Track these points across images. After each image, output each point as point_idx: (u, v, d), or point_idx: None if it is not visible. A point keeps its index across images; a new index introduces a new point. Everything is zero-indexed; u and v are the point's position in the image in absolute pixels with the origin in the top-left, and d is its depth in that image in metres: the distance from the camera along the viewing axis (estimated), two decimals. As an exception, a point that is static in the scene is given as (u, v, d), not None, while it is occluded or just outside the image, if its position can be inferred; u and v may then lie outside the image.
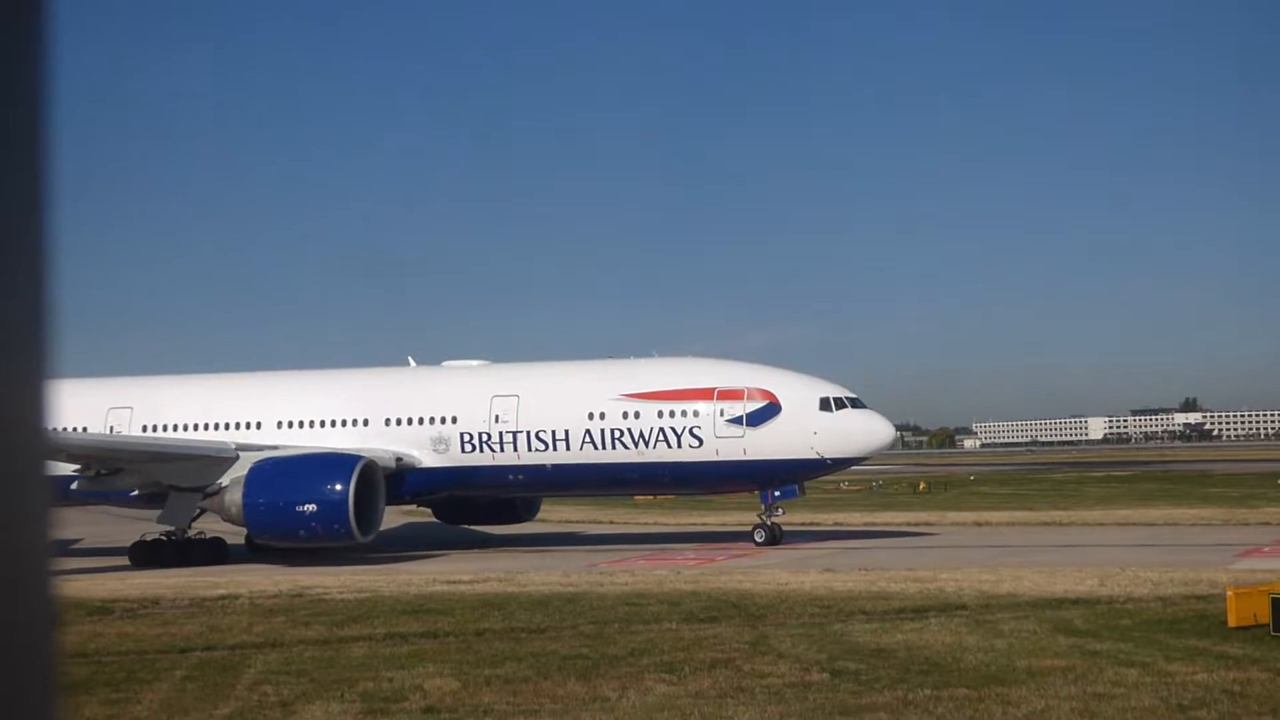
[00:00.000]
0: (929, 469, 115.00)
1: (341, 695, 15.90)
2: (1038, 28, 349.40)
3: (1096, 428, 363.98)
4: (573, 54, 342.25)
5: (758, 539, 37.58)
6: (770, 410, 37.12)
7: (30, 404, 1.71)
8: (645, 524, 49.38)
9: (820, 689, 15.57)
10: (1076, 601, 22.69)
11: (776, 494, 37.71)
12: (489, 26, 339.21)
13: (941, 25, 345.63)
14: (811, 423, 36.95)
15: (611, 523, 50.62)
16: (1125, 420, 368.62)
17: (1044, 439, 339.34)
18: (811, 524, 46.54)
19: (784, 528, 38.45)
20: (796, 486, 38.16)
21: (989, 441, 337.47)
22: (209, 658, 19.03)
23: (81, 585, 29.34)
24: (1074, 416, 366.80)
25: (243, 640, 20.67)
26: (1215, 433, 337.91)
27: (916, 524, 45.18)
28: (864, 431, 37.45)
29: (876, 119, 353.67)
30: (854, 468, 44.59)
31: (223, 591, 27.75)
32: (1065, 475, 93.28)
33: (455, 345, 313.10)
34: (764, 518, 37.97)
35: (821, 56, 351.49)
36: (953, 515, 49.17)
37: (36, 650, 1.74)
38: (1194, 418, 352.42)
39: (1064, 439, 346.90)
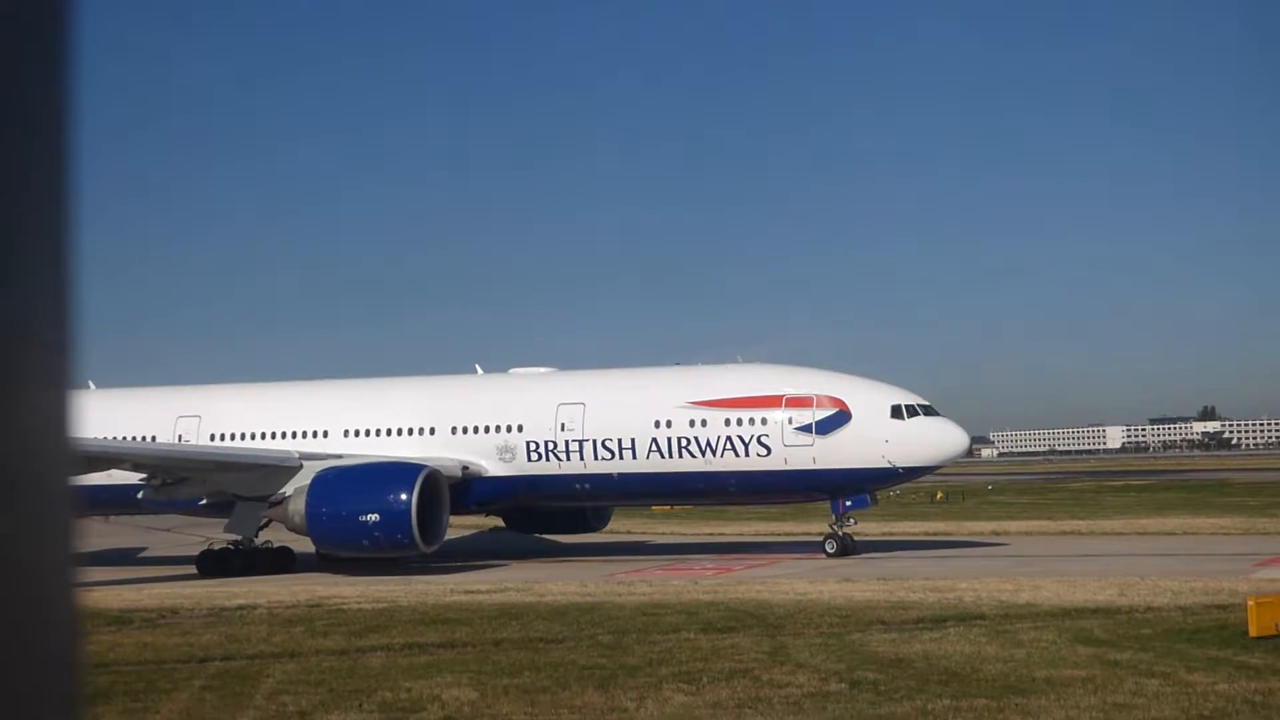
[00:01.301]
0: (946, 478, 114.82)
1: (360, 705, 15.90)
2: (1061, 41, 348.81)
3: (1115, 437, 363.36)
4: (625, 70, 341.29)
5: (829, 550, 36.81)
6: (840, 418, 36.48)
7: (53, 414, 1.71)
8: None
9: (839, 699, 15.54)
10: (1096, 611, 22.61)
11: (848, 504, 36.94)
12: (541, 46, 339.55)
13: (966, 40, 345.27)
14: (883, 431, 36.26)
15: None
16: (1144, 429, 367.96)
17: (1062, 448, 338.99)
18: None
19: (855, 539, 37.55)
20: (868, 496, 37.38)
21: (1007, 451, 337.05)
22: (227, 667, 19.04)
23: (99, 595, 29.39)
24: (1092, 426, 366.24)
25: (261, 650, 20.69)
26: (1234, 441, 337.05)
27: (937, 534, 45.05)
28: (937, 440, 36.76)
29: (890, 127, 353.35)
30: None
31: (241, 602, 27.79)
32: (1083, 484, 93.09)
33: (525, 352, 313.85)
34: (835, 528, 37.23)
35: (841, 72, 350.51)
36: (970, 525, 49.03)
37: (60, 660, 1.74)
38: (1212, 426, 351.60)
39: (1082, 448, 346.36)
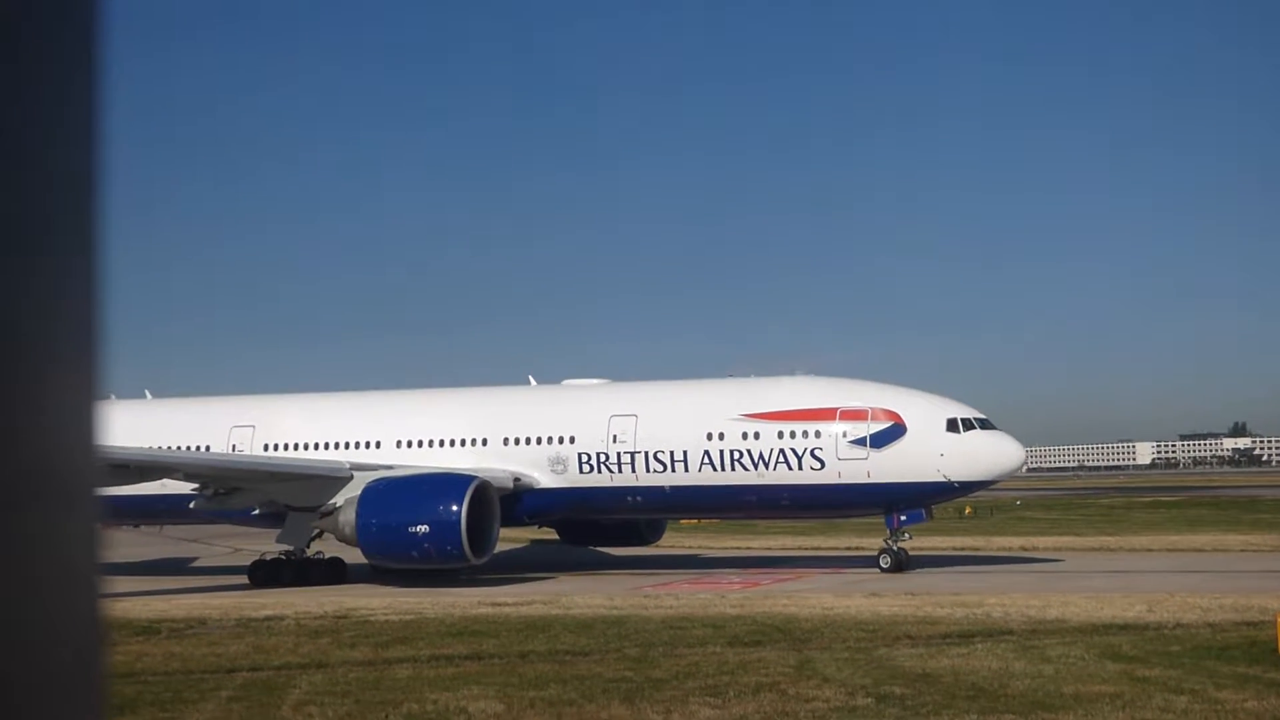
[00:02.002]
0: (975, 494, 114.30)
1: (386, 716, 15.93)
2: (1092, 47, 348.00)
3: (1144, 453, 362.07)
4: (673, 81, 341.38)
5: (883, 565, 36.35)
6: (895, 431, 36.06)
7: (79, 421, 1.72)
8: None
9: (865, 714, 15.50)
10: (1125, 627, 22.51)
11: (903, 518, 36.46)
12: (594, 53, 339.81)
13: (988, 58, 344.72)
14: (938, 444, 35.86)
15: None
16: (1173, 445, 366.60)
17: (1091, 464, 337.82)
18: (856, 549, 46.35)
19: (896, 554, 36.72)
20: (923, 511, 37.01)
21: (1036, 466, 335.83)
22: (254, 678, 19.09)
23: (128, 605, 29.50)
24: (1121, 441, 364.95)
25: (288, 661, 20.73)
26: (1264, 458, 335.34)
27: (965, 549, 44.92)
28: (993, 454, 36.28)
29: (907, 147, 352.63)
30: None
31: (269, 612, 27.84)
32: (1113, 500, 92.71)
33: (578, 363, 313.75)
34: (889, 543, 36.70)
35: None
36: (999, 540, 48.87)
37: (83, 669, 1.74)
38: (1243, 443, 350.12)
39: (1111, 464, 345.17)
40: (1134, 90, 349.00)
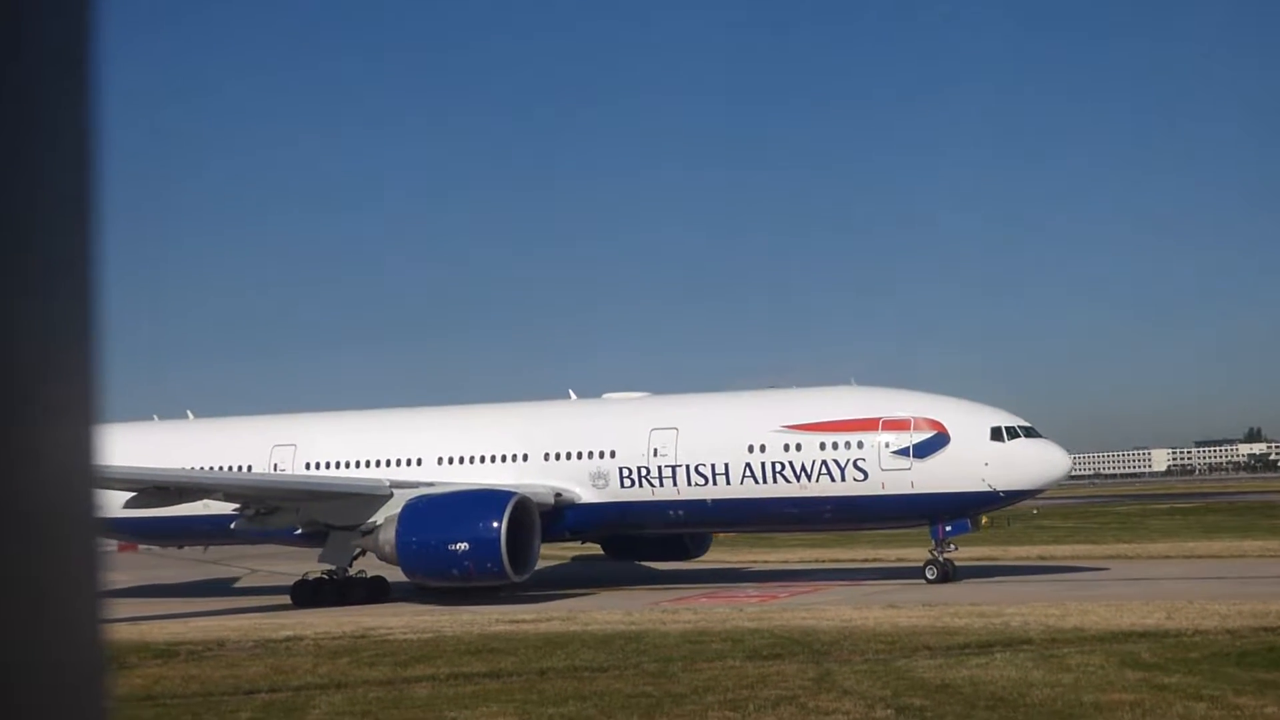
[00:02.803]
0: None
1: (406, 735, 15.92)
2: (1094, 70, 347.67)
3: (1160, 460, 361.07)
4: (700, 94, 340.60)
5: (929, 576, 36.03)
6: (939, 440, 35.74)
7: (77, 443, 1.72)
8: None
9: (886, 725, 15.48)
10: (1144, 635, 22.46)
11: (948, 529, 36.19)
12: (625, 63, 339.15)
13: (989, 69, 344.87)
14: (982, 453, 35.53)
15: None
16: (1189, 452, 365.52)
17: (1107, 471, 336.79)
18: (875, 560, 46.34)
19: (943, 565, 36.45)
20: (968, 520, 36.64)
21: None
22: (274, 699, 19.10)
23: (144, 628, 29.52)
24: (1137, 449, 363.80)
25: (307, 681, 20.73)
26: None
27: (982, 559, 44.82)
28: (1038, 462, 35.94)
29: (916, 164, 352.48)
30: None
31: (288, 633, 27.85)
32: (1129, 508, 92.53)
33: (619, 376, 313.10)
34: (935, 554, 36.42)
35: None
36: (1015, 550, 48.80)
37: (86, 694, 1.75)
38: (1259, 448, 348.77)
39: (1127, 471, 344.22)
40: (1145, 98, 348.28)
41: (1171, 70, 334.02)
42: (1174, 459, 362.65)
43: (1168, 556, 43.54)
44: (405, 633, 27.32)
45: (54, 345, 1.69)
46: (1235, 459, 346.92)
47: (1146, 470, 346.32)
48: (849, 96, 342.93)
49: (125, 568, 54.31)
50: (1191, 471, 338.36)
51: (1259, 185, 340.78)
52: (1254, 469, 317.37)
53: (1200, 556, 43.04)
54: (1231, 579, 33.87)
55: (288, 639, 26.81)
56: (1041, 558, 44.81)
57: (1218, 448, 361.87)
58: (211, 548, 47.49)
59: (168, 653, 25.02)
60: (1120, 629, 23.31)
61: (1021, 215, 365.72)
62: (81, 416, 1.73)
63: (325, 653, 24.46)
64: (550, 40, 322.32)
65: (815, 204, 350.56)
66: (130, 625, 29.84)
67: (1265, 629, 22.50)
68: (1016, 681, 18.03)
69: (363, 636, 26.89)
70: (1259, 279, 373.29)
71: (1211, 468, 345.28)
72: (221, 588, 46.21)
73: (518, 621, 28.62)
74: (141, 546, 65.77)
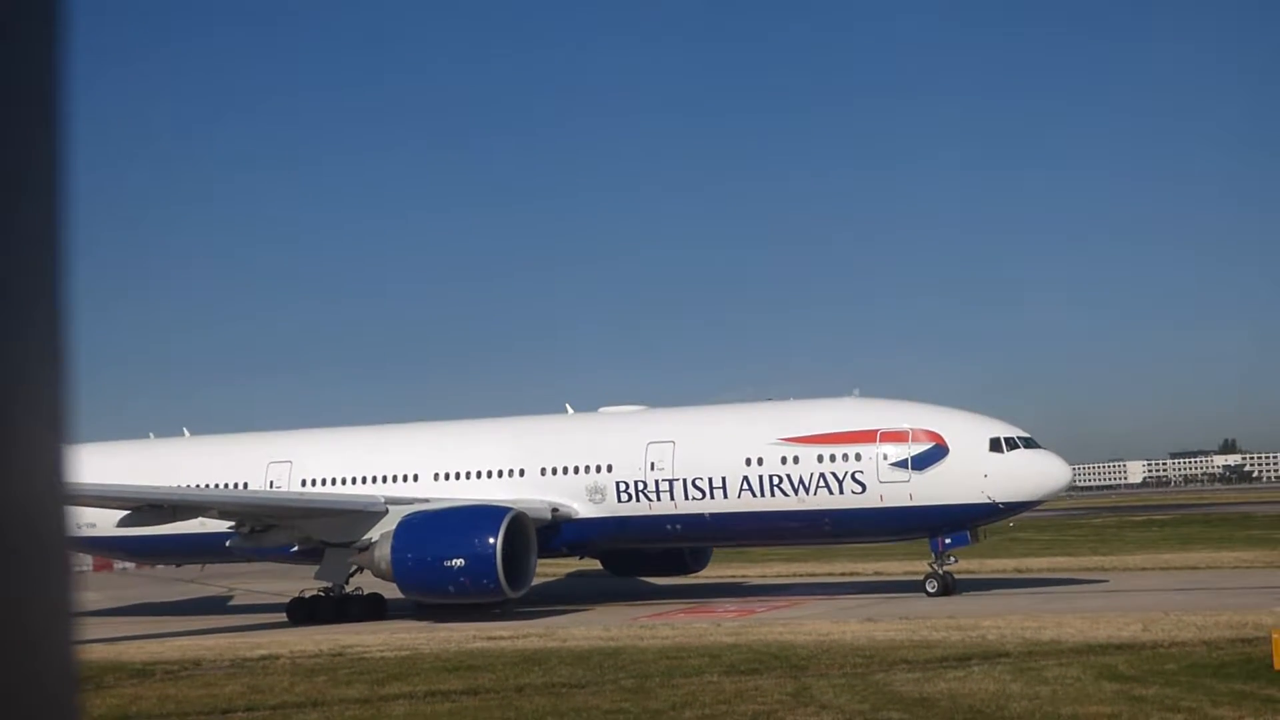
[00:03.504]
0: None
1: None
2: (1081, 79, 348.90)
3: (1135, 471, 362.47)
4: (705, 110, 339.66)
5: (929, 589, 35.74)
6: (937, 452, 35.41)
7: (47, 465, 1.71)
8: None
9: (864, 739, 15.48)
10: (1120, 647, 22.51)
11: (948, 541, 35.80)
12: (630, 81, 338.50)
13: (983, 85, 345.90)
14: (981, 465, 35.20)
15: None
16: (1164, 463, 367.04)
17: (1082, 484, 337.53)
18: (852, 574, 46.35)
19: (943, 578, 36.07)
20: (968, 533, 36.04)
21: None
22: (251, 718, 19.03)
23: (121, 648, 29.39)
24: (1112, 461, 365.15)
25: (284, 700, 20.66)
26: (1255, 474, 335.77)
27: (959, 572, 44.79)
28: (1038, 474, 35.56)
29: (870, 179, 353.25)
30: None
31: (264, 652, 27.75)
32: (1105, 520, 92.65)
33: (613, 389, 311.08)
34: (935, 567, 36.14)
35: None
36: (991, 563, 48.82)
37: (59, 715, 1.73)
38: (1233, 460, 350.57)
39: (1103, 483, 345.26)
40: (1127, 117, 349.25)
41: (1148, 84, 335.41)
42: (1149, 471, 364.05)
43: (1144, 568, 43.61)
44: (382, 650, 27.25)
45: (21, 364, 1.68)
46: (1210, 470, 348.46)
47: (1122, 482, 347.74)
48: (840, 100, 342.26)
49: (112, 587, 54.21)
50: (1167, 483, 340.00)
51: (1235, 196, 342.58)
52: (1229, 480, 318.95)
53: (1176, 568, 43.12)
54: (1208, 590, 33.95)
55: (264, 658, 26.70)
56: (1018, 570, 44.86)
57: (1193, 459, 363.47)
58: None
59: (144, 672, 24.92)
60: (1097, 641, 23.35)
61: (998, 225, 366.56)
62: (50, 435, 1.72)
63: (302, 671, 24.38)
64: (542, 54, 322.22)
65: (811, 212, 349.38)
66: (107, 645, 29.71)
67: (1242, 640, 22.56)
68: (994, 694, 18.05)
69: (339, 655, 26.80)
70: (1235, 291, 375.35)
71: (1187, 479, 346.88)
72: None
73: (495, 638, 28.56)
74: (117, 565, 65.95)
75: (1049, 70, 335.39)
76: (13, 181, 1.70)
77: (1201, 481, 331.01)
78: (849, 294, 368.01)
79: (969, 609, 30.76)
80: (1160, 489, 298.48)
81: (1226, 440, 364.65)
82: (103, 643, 30.23)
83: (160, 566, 55.84)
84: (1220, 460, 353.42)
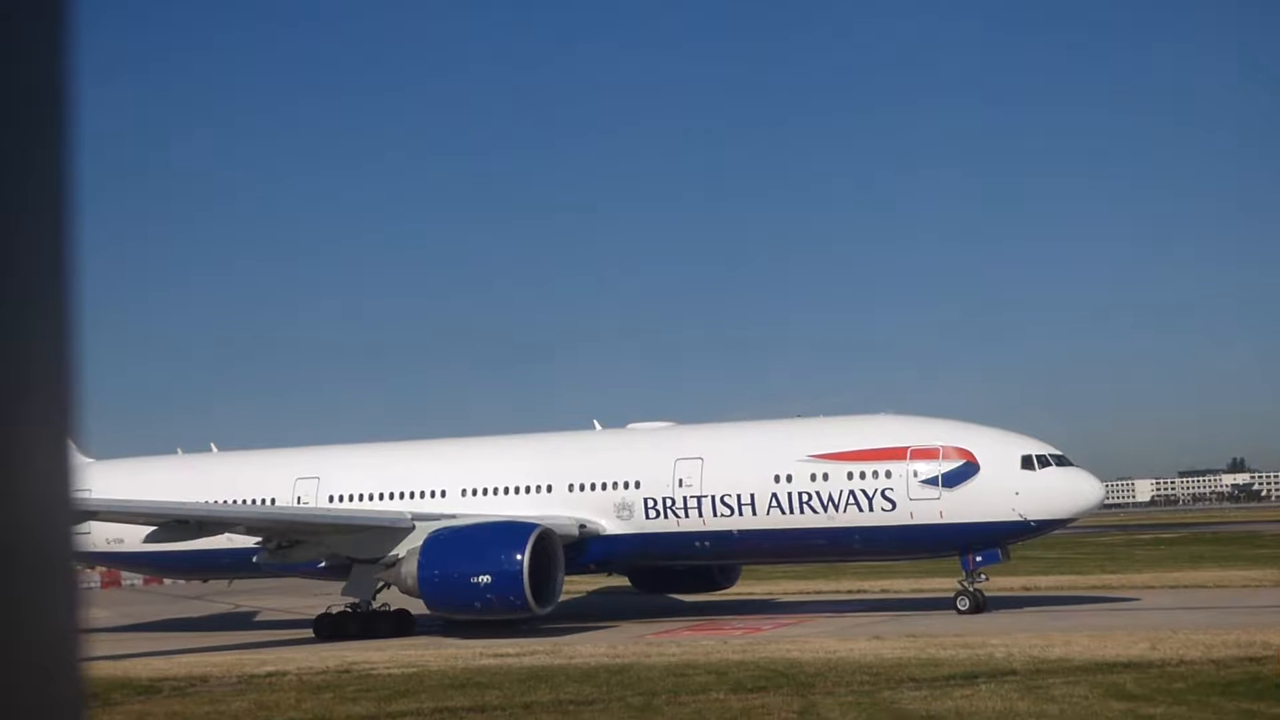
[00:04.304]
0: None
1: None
2: (1087, 105, 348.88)
3: (1144, 490, 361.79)
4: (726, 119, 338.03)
5: (961, 607, 35.43)
6: (968, 470, 35.20)
7: (53, 478, 1.72)
8: (813, 591, 47.95)
9: (871, 757, 15.46)
10: (1128, 665, 22.47)
11: (978, 559, 35.57)
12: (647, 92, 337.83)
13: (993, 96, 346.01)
14: (1013, 482, 35.00)
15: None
16: (1172, 482, 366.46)
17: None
18: (859, 591, 46.29)
19: (974, 595, 35.79)
20: (999, 550, 35.85)
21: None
22: (257, 735, 19.02)
23: (128, 664, 29.38)
24: (1120, 479, 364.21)
25: (290, 717, 20.68)
26: (1264, 493, 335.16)
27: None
28: (1069, 491, 35.36)
29: (874, 200, 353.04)
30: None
31: (271, 668, 27.74)
32: (1113, 538, 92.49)
33: (642, 406, 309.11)
34: (965, 584, 35.85)
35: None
36: (1000, 581, 48.67)
37: None
38: (1242, 478, 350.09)
39: (1111, 501, 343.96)
40: (1132, 134, 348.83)
41: (1153, 101, 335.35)
42: (1158, 489, 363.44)
43: (1152, 587, 43.54)
44: (389, 667, 27.24)
45: (26, 376, 1.69)
46: (1219, 489, 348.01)
47: (1130, 500, 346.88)
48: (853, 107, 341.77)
49: (120, 603, 54.20)
50: (1175, 501, 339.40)
51: (1247, 210, 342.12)
52: (1237, 499, 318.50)
53: (1185, 586, 43.07)
54: (1216, 609, 33.89)
55: (271, 674, 26.69)
56: (1026, 588, 44.79)
57: (1201, 478, 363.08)
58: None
59: (151, 689, 24.92)
60: (1105, 659, 23.31)
61: (999, 240, 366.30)
62: (58, 451, 1.73)
63: (308, 688, 24.37)
64: (549, 71, 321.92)
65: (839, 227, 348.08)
66: (114, 662, 29.70)
67: (1250, 659, 22.52)
68: (1001, 712, 18.03)
69: (346, 671, 26.79)
70: (1244, 309, 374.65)
71: (1195, 498, 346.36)
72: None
73: (502, 655, 28.55)
74: (125, 580, 66.01)
75: (1065, 75, 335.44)
76: (22, 190, 1.71)
77: (1210, 500, 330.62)
78: (865, 303, 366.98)
79: (976, 627, 30.71)
80: (1168, 507, 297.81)
81: (1235, 459, 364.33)
82: (110, 660, 30.22)
83: (180, 581, 55.89)
84: (1229, 479, 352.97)
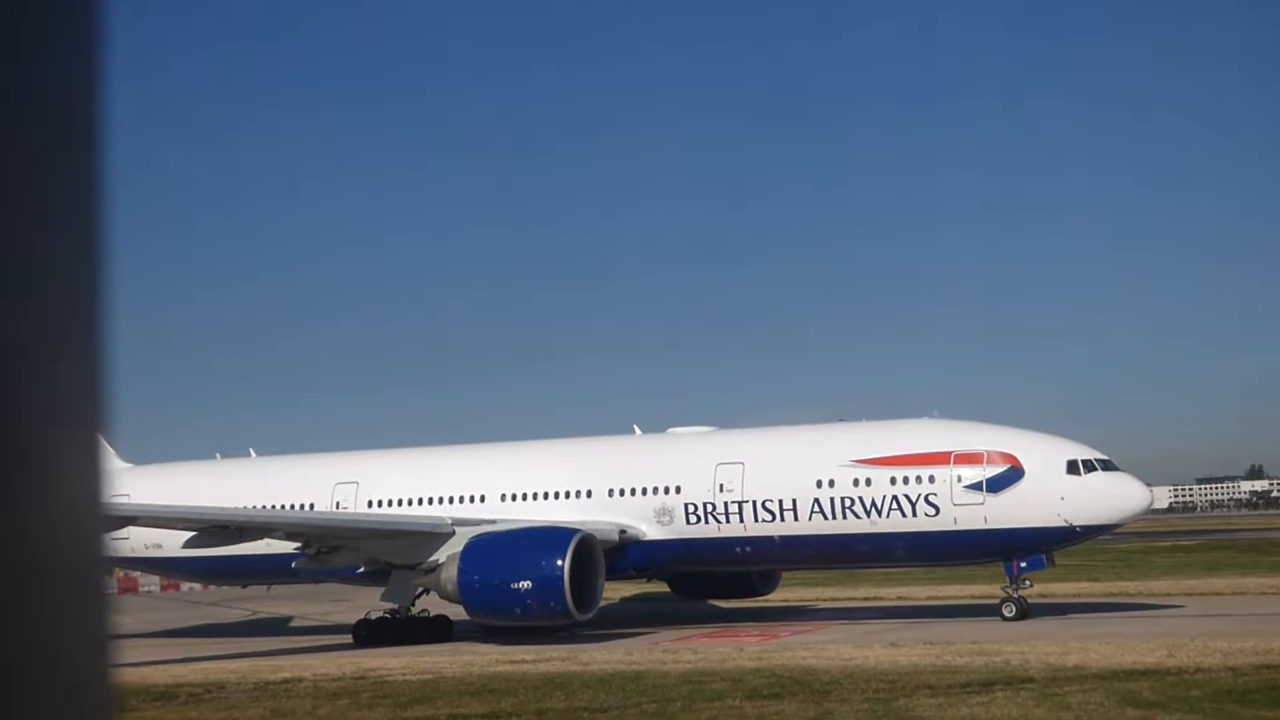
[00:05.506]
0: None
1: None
2: (1099, 111, 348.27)
3: (1162, 496, 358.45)
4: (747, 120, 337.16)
5: (1006, 613, 35.18)
6: (1013, 475, 34.89)
7: (84, 489, 1.73)
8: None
9: (886, 765, 15.44)
10: (1145, 673, 22.43)
11: (1023, 565, 35.37)
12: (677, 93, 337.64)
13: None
14: (1058, 487, 34.65)
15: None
16: (1190, 489, 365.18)
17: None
18: (875, 598, 46.18)
19: (1019, 602, 35.66)
20: (1044, 556, 35.72)
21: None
22: (273, 741, 19.05)
23: (146, 671, 29.44)
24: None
25: (307, 723, 20.69)
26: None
27: (982, 597, 44.68)
28: (1116, 496, 34.96)
29: (895, 208, 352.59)
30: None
31: (287, 674, 27.77)
32: (1131, 545, 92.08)
33: (682, 411, 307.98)
34: (1009, 591, 35.59)
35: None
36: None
37: None
38: (1260, 485, 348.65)
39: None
40: (1151, 136, 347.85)
41: (1168, 106, 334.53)
42: (1176, 496, 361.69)
43: (1169, 594, 43.38)
44: (405, 673, 27.27)
45: (60, 385, 1.71)
46: (1237, 496, 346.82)
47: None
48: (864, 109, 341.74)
49: (146, 609, 54.28)
50: (1193, 508, 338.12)
51: (1270, 219, 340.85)
52: (1255, 506, 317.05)
53: (1202, 594, 42.91)
54: (1233, 616, 33.80)
55: (287, 681, 26.73)
56: (1042, 595, 44.53)
57: (1219, 484, 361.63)
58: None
59: (168, 695, 24.97)
60: (1121, 667, 23.26)
61: (1016, 243, 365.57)
62: (90, 455, 1.74)
63: (324, 694, 24.41)
64: (570, 75, 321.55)
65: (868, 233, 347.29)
66: (132, 668, 29.76)
67: (1267, 666, 22.47)
68: (1017, 719, 18.00)
69: (362, 677, 26.83)
70: (1264, 316, 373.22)
71: (1213, 504, 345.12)
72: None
73: (518, 662, 28.56)
74: (143, 585, 66.13)
75: (1089, 75, 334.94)
76: (56, 195, 1.73)
77: (1228, 507, 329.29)
78: (904, 305, 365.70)
79: (993, 634, 30.65)
80: (1187, 514, 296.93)
81: (1254, 466, 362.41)
82: (128, 666, 30.28)
83: (196, 587, 55.96)
84: (1247, 486, 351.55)
